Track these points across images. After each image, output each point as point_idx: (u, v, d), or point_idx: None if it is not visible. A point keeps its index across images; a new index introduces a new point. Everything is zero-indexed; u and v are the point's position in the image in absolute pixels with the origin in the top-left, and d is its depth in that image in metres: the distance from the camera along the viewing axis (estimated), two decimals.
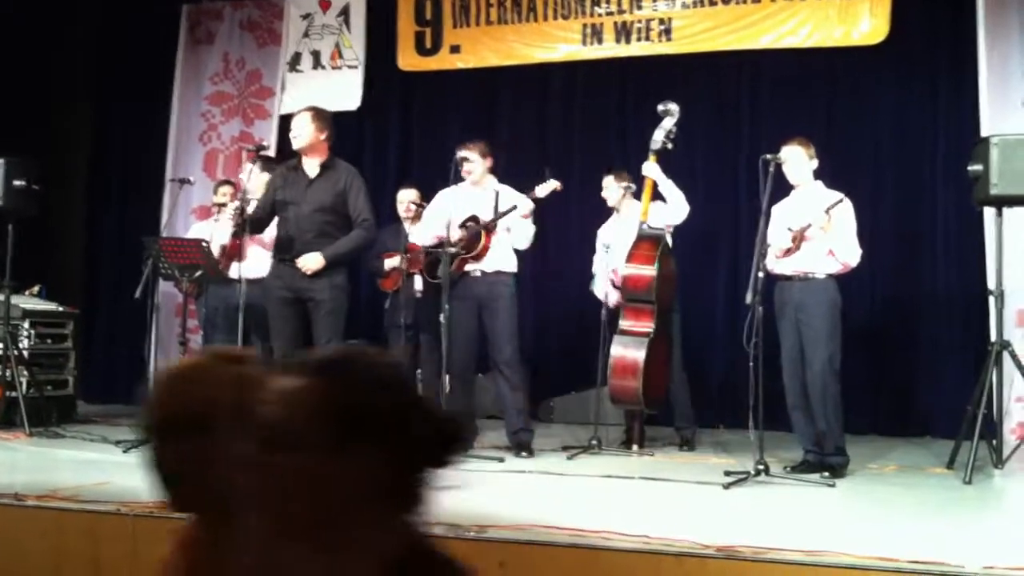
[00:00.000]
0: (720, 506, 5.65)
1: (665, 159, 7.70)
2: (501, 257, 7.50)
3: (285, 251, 6.84)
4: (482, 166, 7.56)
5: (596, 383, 7.79)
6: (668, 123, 7.58)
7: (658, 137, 7.58)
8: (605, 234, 7.93)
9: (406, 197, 8.44)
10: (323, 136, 6.85)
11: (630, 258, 7.44)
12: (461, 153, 7.53)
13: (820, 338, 6.51)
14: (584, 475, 6.56)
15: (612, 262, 7.66)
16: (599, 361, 7.60)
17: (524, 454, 7.30)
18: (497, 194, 7.57)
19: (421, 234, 7.69)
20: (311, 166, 6.87)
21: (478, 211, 7.53)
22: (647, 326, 7.41)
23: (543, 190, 7.47)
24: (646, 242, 7.46)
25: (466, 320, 7.42)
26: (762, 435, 6.29)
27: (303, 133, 6.81)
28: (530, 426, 7.58)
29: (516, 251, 7.58)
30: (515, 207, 7.41)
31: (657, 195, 7.62)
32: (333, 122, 7.03)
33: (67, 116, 10.91)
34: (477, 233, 7.44)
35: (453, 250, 7.38)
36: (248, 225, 7.04)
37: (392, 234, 8.40)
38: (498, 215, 7.44)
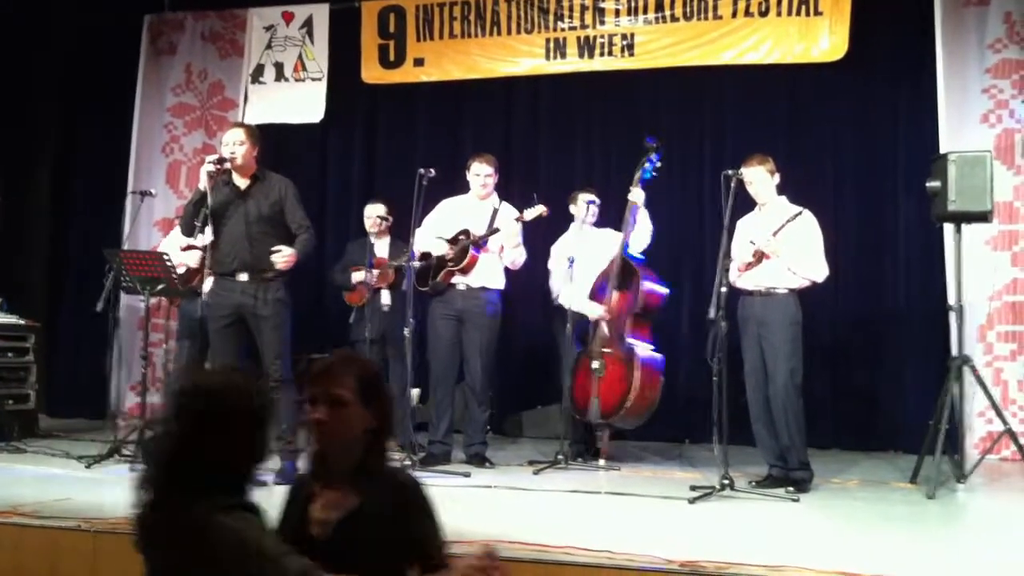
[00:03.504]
0: (685, 521, 5.66)
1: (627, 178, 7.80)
2: (488, 273, 7.67)
3: (225, 266, 6.77)
4: (493, 181, 7.81)
5: (560, 398, 7.82)
6: (655, 158, 7.66)
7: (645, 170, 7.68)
8: (566, 248, 7.94)
9: (373, 212, 8.47)
10: (255, 152, 6.87)
11: (647, 277, 7.63)
12: (480, 165, 7.79)
13: (781, 353, 6.55)
14: (550, 490, 6.56)
15: (578, 275, 7.71)
16: (564, 375, 7.68)
17: (488, 465, 7.49)
18: (495, 211, 7.70)
19: (419, 241, 7.70)
20: (241, 180, 6.84)
21: (475, 224, 7.66)
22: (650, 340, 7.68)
23: (530, 213, 7.64)
24: (643, 267, 7.68)
25: (448, 331, 7.64)
26: (727, 450, 6.32)
27: (240, 150, 6.77)
28: (485, 439, 7.77)
29: (507, 269, 7.77)
30: (498, 229, 7.58)
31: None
32: (262, 137, 7.07)
33: (30, 127, 10.79)
34: (466, 247, 7.58)
35: (416, 265, 7.45)
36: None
37: (359, 248, 8.42)
38: (486, 233, 7.60)
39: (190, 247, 7.79)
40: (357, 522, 2.71)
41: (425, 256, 7.72)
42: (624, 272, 7.64)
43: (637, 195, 7.62)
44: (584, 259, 7.67)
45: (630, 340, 7.57)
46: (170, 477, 2.54)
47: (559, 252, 8.01)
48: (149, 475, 2.60)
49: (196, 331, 7.64)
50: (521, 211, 7.65)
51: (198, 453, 2.53)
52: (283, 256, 6.65)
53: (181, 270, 7.76)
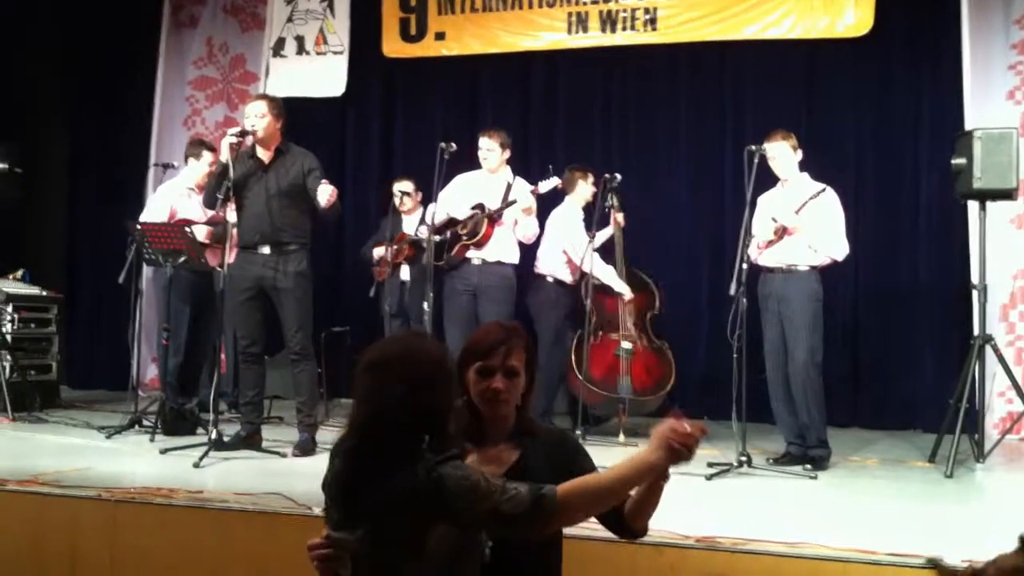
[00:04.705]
0: (702, 497, 5.65)
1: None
2: (503, 247, 7.63)
3: (247, 239, 6.80)
4: (499, 155, 7.72)
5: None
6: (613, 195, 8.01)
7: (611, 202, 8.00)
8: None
9: (398, 188, 8.48)
10: (279, 125, 6.86)
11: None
12: (483, 139, 7.74)
13: (802, 330, 6.53)
14: None
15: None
16: (583, 351, 7.70)
17: None
18: (509, 185, 7.67)
19: (437, 217, 7.71)
20: (264, 153, 6.84)
21: (488, 199, 7.64)
22: None
23: (545, 186, 7.61)
24: None
25: (464, 305, 7.60)
26: (745, 427, 6.32)
27: (262, 122, 6.76)
28: None
29: (520, 243, 7.75)
30: (514, 201, 7.54)
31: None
32: (287, 109, 7.07)
33: (49, 99, 10.82)
34: (480, 221, 7.55)
35: (436, 239, 7.45)
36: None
37: (387, 224, 8.41)
38: (501, 206, 7.56)
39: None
40: (522, 473, 2.78)
41: (445, 226, 7.67)
42: (631, 278, 8.09)
43: (622, 219, 8.10)
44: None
45: (659, 339, 8.07)
46: (386, 442, 2.57)
47: (573, 229, 7.98)
48: (359, 445, 2.61)
49: (192, 296, 7.67)
50: (535, 184, 7.62)
51: (410, 415, 2.57)
52: (325, 192, 6.63)
53: None
